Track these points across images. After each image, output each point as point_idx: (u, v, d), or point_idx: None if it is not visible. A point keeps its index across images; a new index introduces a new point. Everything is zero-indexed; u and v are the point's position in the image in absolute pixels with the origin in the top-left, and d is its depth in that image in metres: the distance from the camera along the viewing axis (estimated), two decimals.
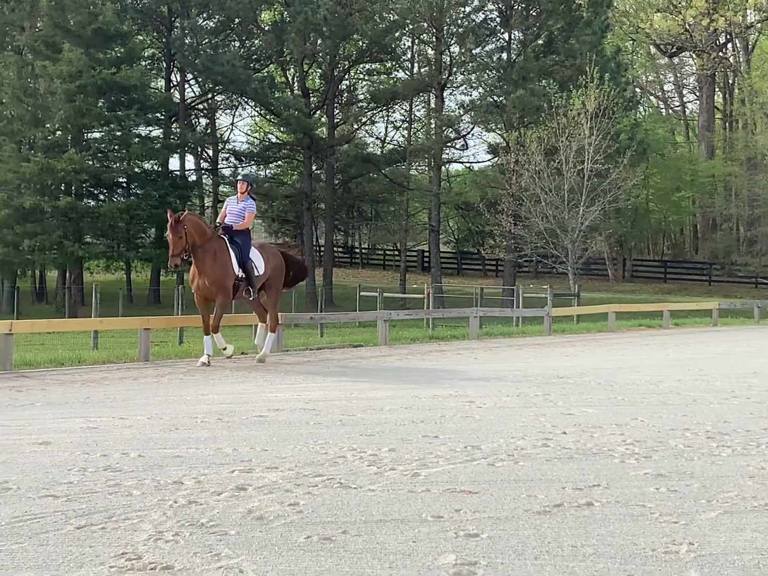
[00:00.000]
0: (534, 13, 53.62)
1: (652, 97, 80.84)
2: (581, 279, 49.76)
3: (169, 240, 16.85)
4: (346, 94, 62.27)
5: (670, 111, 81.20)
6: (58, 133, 47.97)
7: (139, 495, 6.68)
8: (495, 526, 5.92)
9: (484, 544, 5.52)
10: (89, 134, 48.92)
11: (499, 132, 57.89)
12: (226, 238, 17.46)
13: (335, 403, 12.02)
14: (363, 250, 78.96)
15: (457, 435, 9.38)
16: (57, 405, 11.79)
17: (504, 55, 54.70)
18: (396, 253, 70.52)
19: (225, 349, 18.12)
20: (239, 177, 19.06)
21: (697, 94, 74.49)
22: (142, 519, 6.02)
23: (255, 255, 17.87)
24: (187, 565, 5.05)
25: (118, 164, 49.01)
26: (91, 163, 45.97)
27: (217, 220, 18.35)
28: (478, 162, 67.58)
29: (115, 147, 48.58)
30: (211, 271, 17.00)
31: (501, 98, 52.67)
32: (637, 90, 66.00)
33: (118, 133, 47.48)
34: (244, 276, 17.53)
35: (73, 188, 47.14)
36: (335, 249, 66.68)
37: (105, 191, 50.42)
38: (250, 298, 18.33)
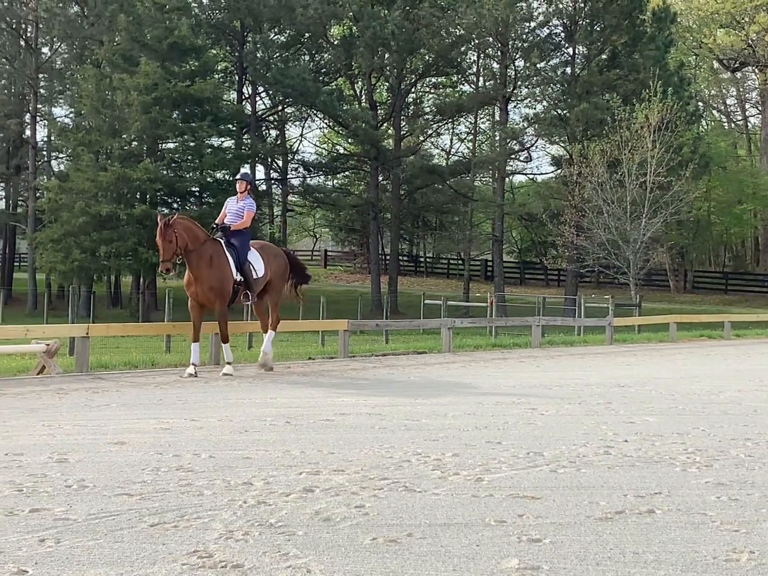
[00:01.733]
0: (598, 29, 53.33)
1: (714, 111, 79.94)
2: (643, 290, 49.32)
3: (158, 245, 15.87)
4: (412, 107, 62.27)
5: (733, 125, 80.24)
6: (134, 143, 48.43)
7: (210, 495, 6.72)
8: (558, 531, 5.88)
9: (547, 549, 5.48)
10: (164, 144, 49.35)
11: (562, 144, 57.64)
12: (222, 241, 16.47)
13: (400, 408, 12.01)
14: (427, 259, 78.86)
15: (520, 441, 9.33)
16: (131, 406, 11.90)
17: (568, 70, 54.50)
18: (460, 262, 70.33)
19: (230, 364, 16.73)
20: (238, 176, 17.86)
21: (760, 108, 73.53)
22: (213, 518, 6.05)
23: (254, 256, 16.86)
24: (256, 564, 5.06)
25: (191, 174, 49.37)
26: (165, 172, 46.36)
27: (216, 221, 17.25)
28: (542, 174, 67.24)
29: (189, 157, 48.95)
30: (207, 276, 16.04)
31: (565, 111, 52.45)
32: (700, 104, 65.29)
33: (192, 144, 47.84)
34: (242, 280, 16.53)
35: (147, 197, 47.57)
36: (400, 258, 66.63)
37: (178, 200, 50.80)
38: (248, 302, 17.44)
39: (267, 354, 17.51)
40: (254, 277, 16.67)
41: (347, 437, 9.43)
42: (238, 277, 16.39)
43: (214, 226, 16.93)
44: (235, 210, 16.90)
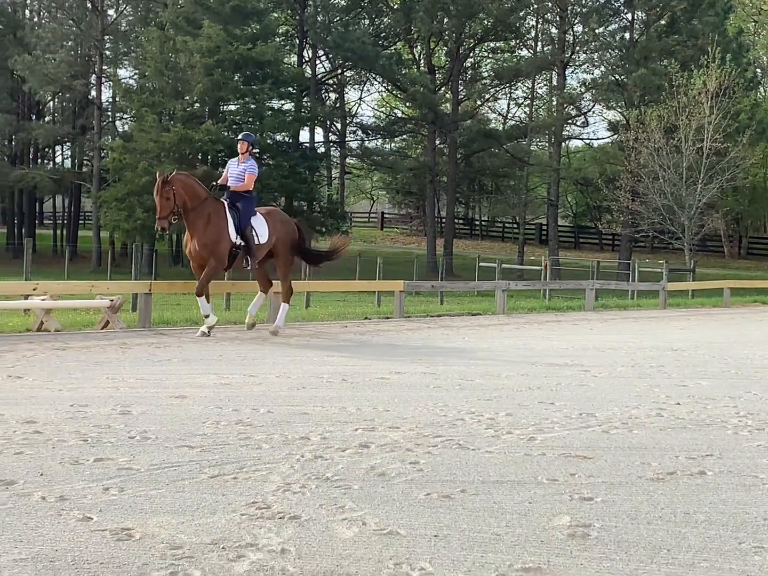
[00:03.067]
0: None
1: None
2: (697, 255, 48.81)
3: (156, 202, 15.09)
4: (470, 71, 61.88)
5: None
6: (197, 105, 48.61)
7: (269, 448, 6.77)
8: (609, 491, 5.86)
9: (598, 507, 5.47)
10: (225, 107, 49.50)
11: (619, 110, 57.04)
12: (226, 202, 15.66)
13: (454, 368, 12.02)
14: (483, 223, 78.60)
15: (573, 402, 9.31)
16: (192, 361, 12.01)
17: (626, 35, 53.88)
18: (515, 225, 70.08)
19: (207, 317, 15.62)
20: (239, 136, 16.70)
21: None
22: (271, 471, 6.09)
23: (258, 221, 15.97)
24: (313, 515, 5.10)
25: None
26: (226, 134, 46.49)
27: (219, 181, 16.32)
28: (598, 139, 66.76)
29: (249, 119, 49.05)
30: (203, 234, 15.16)
31: (622, 77, 51.90)
32: (758, 71, 64.23)
33: (252, 106, 47.96)
34: (242, 243, 15.64)
35: (209, 157, 47.79)
36: (456, 221, 66.44)
37: None
38: (248, 268, 16.25)
39: (279, 327, 16.46)
40: (256, 242, 15.81)
41: (402, 395, 9.46)
42: (238, 241, 15.55)
43: (214, 185, 16.20)
44: (237, 173, 15.98)
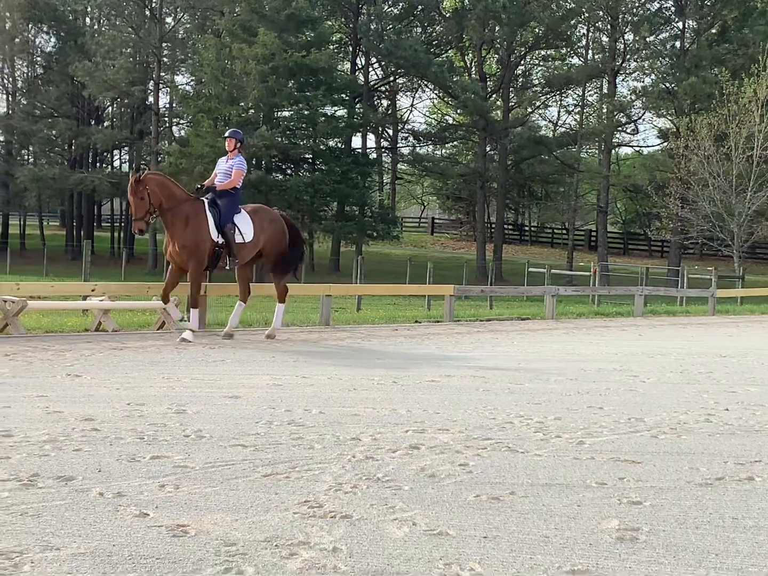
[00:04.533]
0: (708, 3, 52.24)
1: None
2: (746, 262, 48.35)
3: (130, 203, 14.19)
4: (521, 79, 61.75)
5: None
6: (251, 111, 48.89)
7: (320, 449, 6.79)
8: (657, 495, 5.82)
9: (647, 511, 5.43)
10: (279, 113, 49.73)
11: (669, 118, 56.65)
12: (205, 201, 14.68)
13: (503, 372, 11.98)
14: (532, 228, 78.33)
15: (621, 407, 9.25)
16: (245, 362, 12.07)
17: (677, 43, 53.53)
18: (564, 231, 69.77)
19: (182, 320, 15.03)
20: (226, 134, 15.84)
21: None
22: (323, 471, 6.11)
23: (243, 219, 14.96)
24: (364, 515, 5.11)
25: (304, 141, 49.74)
26: (280, 139, 46.73)
27: (206, 182, 15.38)
28: (648, 146, 66.43)
29: (303, 125, 49.27)
30: (182, 234, 14.27)
31: (673, 85, 51.54)
32: None
33: (306, 113, 48.15)
34: (223, 242, 14.65)
35: (263, 163, 48.04)
36: (505, 226, 66.26)
37: (292, 166, 51.26)
38: (227, 268, 15.09)
39: (276, 330, 15.70)
40: (239, 241, 14.79)
41: (452, 398, 9.45)
42: (220, 239, 14.59)
43: (199, 186, 15.24)
44: (224, 170, 15.17)
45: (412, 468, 6.29)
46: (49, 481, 5.60)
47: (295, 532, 4.76)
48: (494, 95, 58.34)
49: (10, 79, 63.07)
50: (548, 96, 63.59)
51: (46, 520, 4.82)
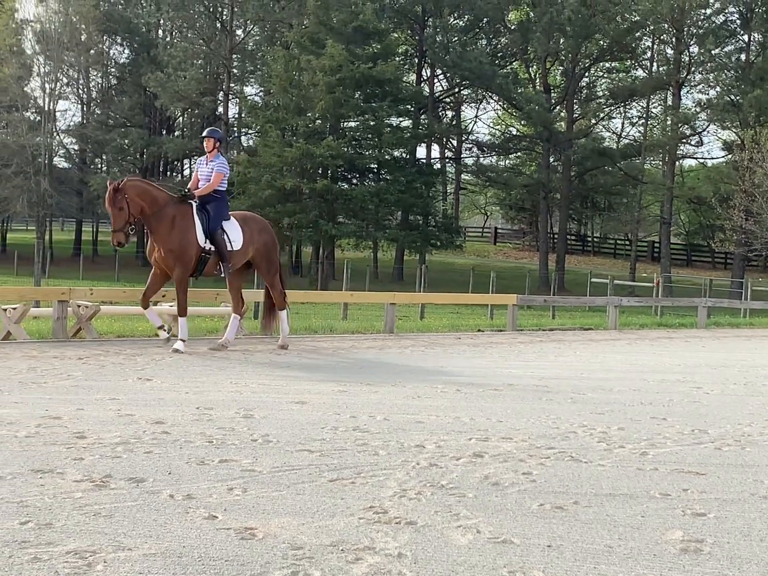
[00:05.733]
0: None
1: None
2: None
3: (109, 213, 13.34)
4: (585, 91, 61.42)
5: None
6: (318, 121, 49.13)
7: (385, 455, 6.79)
8: (721, 507, 5.74)
9: (711, 523, 5.36)
10: (346, 123, 49.92)
11: (734, 130, 56.00)
12: (194, 204, 13.77)
13: (566, 381, 11.91)
14: (595, 239, 77.79)
15: (685, 419, 9.14)
16: (311, 368, 12.11)
17: (743, 56, 52.94)
18: (627, 242, 69.22)
19: (162, 328, 14.09)
20: (204, 133, 14.61)
21: None
22: (388, 477, 6.11)
23: (232, 227, 14.07)
24: (428, 522, 5.10)
25: (370, 151, 49.88)
26: (346, 149, 46.87)
27: (189, 186, 14.30)
28: (712, 158, 65.58)
29: (369, 135, 49.42)
30: (167, 238, 13.38)
31: (738, 97, 50.95)
32: None
33: (372, 123, 48.29)
34: (212, 248, 13.74)
35: (329, 172, 48.25)
36: (568, 237, 65.89)
37: (357, 176, 51.42)
38: (221, 275, 14.32)
39: (286, 338, 14.92)
40: (228, 248, 13.92)
41: (515, 407, 9.41)
42: (208, 246, 13.67)
43: (186, 191, 14.01)
44: (206, 173, 14.14)
45: (475, 476, 6.27)
46: (121, 482, 5.66)
47: (360, 537, 4.76)
48: (558, 107, 58.09)
49: (85, 89, 63.97)
50: (612, 108, 63.19)
51: (119, 520, 4.87)
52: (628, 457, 7.11)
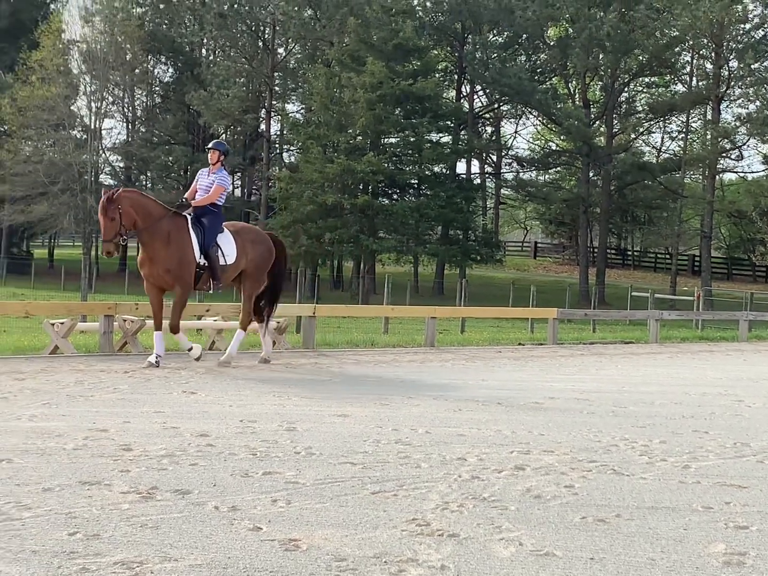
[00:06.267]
0: None
1: None
2: None
3: (100, 223, 12.78)
4: (624, 106, 61.12)
5: None
6: (359, 137, 49.25)
7: (427, 468, 6.78)
8: (764, 520, 5.69)
9: (754, 536, 5.31)
10: (386, 139, 50.01)
11: None
12: (189, 218, 13.25)
13: (607, 394, 11.84)
14: (635, 253, 77.35)
15: (727, 432, 9.06)
16: (352, 382, 12.12)
17: None
18: (667, 256, 68.77)
19: (191, 350, 13.56)
20: (210, 145, 14.29)
21: None
22: (430, 489, 6.10)
23: (226, 240, 13.50)
24: (471, 534, 5.08)
25: (410, 167, 49.95)
26: (386, 165, 46.92)
27: (186, 195, 13.82)
28: (753, 172, 64.87)
29: (409, 151, 49.47)
30: (164, 255, 12.81)
31: None
32: None
33: (412, 139, 48.33)
34: (206, 264, 13.22)
35: (370, 188, 48.32)
36: (608, 251, 65.53)
37: (398, 191, 51.47)
38: (210, 291, 14.03)
39: (232, 355, 13.81)
40: (222, 263, 13.40)
41: (556, 420, 9.36)
42: (202, 261, 13.19)
43: (182, 200, 13.65)
44: (206, 185, 13.64)
45: (517, 488, 6.25)
46: (167, 494, 5.69)
47: (403, 549, 4.76)
48: (598, 122, 57.85)
49: (130, 108, 64.51)
50: (652, 122, 62.84)
51: (165, 531, 4.90)
52: (670, 471, 7.06)
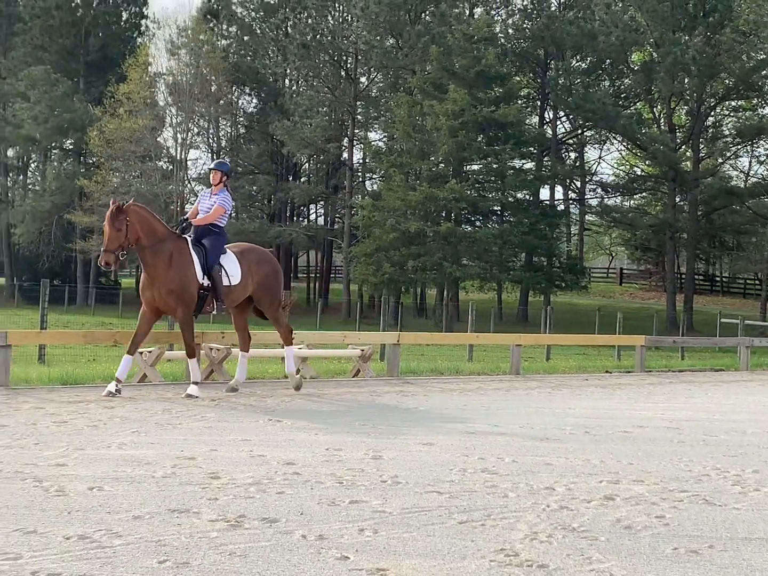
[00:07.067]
0: None
1: None
2: None
3: (105, 231, 12.40)
4: (711, 130, 60.34)
5: None
6: (441, 165, 49.30)
7: (515, 497, 6.72)
8: None
9: None
10: (468, 166, 49.99)
11: None
12: (189, 239, 13.05)
13: (697, 423, 11.65)
14: (723, 279, 76.17)
15: None
16: (438, 410, 12.09)
17: None
18: (757, 282, 67.58)
19: (196, 383, 12.92)
20: (212, 165, 13.96)
21: None
22: (518, 519, 6.05)
23: (229, 261, 13.24)
24: (560, 565, 5.03)
25: (493, 194, 49.86)
26: (469, 192, 46.86)
27: (186, 216, 13.70)
28: None
29: (492, 178, 49.38)
30: (166, 277, 12.57)
31: None
32: None
33: (495, 166, 48.25)
34: (209, 285, 12.96)
35: (452, 215, 48.32)
36: (696, 276, 64.62)
37: (481, 218, 51.39)
38: (214, 313, 13.66)
39: (294, 375, 13.96)
40: (226, 284, 13.10)
41: (645, 449, 9.23)
42: (206, 282, 12.93)
43: (182, 219, 13.60)
44: (207, 207, 13.38)
45: (607, 519, 6.17)
46: (255, 522, 5.72)
47: None
48: (684, 146, 57.21)
49: (215, 138, 65.46)
50: (739, 146, 61.94)
51: (253, 560, 4.92)
52: (764, 501, 6.92)
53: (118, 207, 12.32)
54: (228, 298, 13.14)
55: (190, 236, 13.09)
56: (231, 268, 13.16)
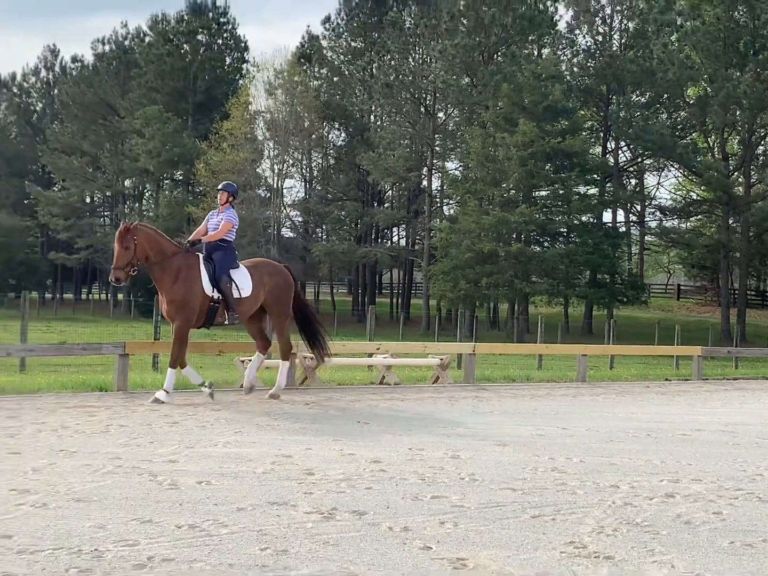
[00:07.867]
0: None
1: None
2: None
3: (114, 250, 12.14)
4: (762, 158, 59.22)
5: None
6: (512, 191, 49.05)
7: (582, 494, 6.66)
8: None
9: None
10: (537, 192, 49.68)
11: None
12: (200, 255, 12.66)
13: (752, 427, 11.42)
14: None
15: None
16: (510, 414, 12.02)
17: None
18: None
19: (202, 384, 12.67)
20: (219, 186, 13.57)
21: None
22: (586, 515, 5.99)
23: (241, 274, 12.79)
24: (625, 557, 4.97)
25: (560, 217, 49.50)
26: (538, 216, 46.58)
27: (191, 238, 13.07)
28: None
29: (558, 203, 49.04)
30: (170, 289, 12.24)
31: None
32: None
33: (561, 192, 47.94)
34: (219, 297, 12.52)
35: (522, 236, 48.06)
36: (748, 292, 63.37)
37: (548, 239, 51.05)
38: (226, 323, 12.88)
39: (280, 387, 13.20)
40: (236, 296, 12.62)
41: (703, 451, 9.08)
42: (215, 294, 12.50)
43: (188, 242, 12.90)
44: (214, 225, 12.94)
45: (668, 514, 6.08)
46: (346, 514, 5.75)
47: (562, 570, 4.68)
48: (736, 173, 56.24)
49: (308, 169, 65.94)
50: None
51: (345, 549, 4.94)
52: None
53: (126, 227, 12.16)
54: (239, 309, 12.72)
55: (201, 252, 12.75)
56: (242, 282, 12.75)
